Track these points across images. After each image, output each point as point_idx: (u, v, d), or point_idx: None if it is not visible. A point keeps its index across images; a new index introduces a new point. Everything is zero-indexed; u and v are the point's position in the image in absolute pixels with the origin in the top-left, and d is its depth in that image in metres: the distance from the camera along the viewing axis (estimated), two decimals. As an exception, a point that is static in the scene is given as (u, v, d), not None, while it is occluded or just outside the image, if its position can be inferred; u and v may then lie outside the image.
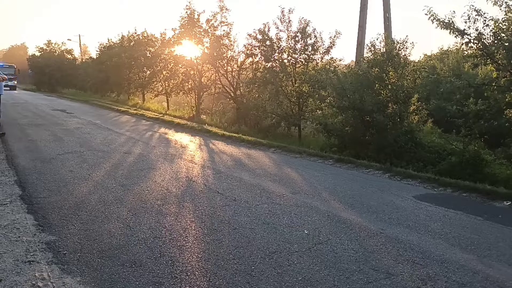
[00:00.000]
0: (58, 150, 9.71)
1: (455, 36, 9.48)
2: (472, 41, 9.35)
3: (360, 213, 5.97)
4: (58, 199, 6.05)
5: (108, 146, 10.78)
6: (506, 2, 8.83)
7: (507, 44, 8.69)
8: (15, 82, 44.41)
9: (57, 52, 43.53)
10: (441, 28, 9.56)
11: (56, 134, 12.42)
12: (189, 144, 12.00)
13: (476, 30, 9.06)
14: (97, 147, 10.54)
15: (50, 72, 40.80)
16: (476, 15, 8.91)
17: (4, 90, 41.78)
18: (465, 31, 9.24)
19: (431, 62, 24.92)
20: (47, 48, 43.41)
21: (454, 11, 9.31)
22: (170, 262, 4.15)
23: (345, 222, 5.52)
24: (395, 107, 12.04)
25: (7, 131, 12.12)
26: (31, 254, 4.22)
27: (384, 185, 7.90)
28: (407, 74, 12.44)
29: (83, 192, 6.50)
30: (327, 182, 7.95)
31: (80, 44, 53.04)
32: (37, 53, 44.27)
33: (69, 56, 44.51)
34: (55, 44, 43.62)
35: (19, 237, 4.64)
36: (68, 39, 69.15)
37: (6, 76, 13.68)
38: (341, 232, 5.16)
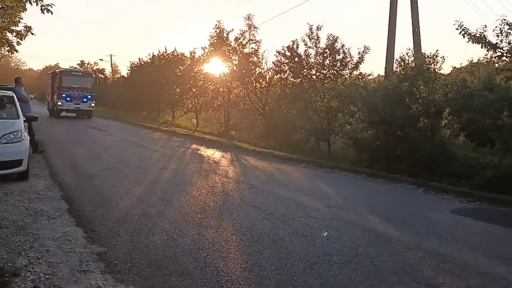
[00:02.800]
0: (98, 167, 10.10)
1: (487, 50, 9.50)
2: (505, 54, 9.35)
3: (397, 226, 6.03)
4: (103, 213, 6.34)
5: (145, 162, 11.13)
6: (539, 15, 8.82)
7: (541, 57, 8.66)
8: (93, 105, 27.86)
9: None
10: (473, 42, 9.60)
11: (94, 151, 12.90)
12: (221, 159, 12.26)
13: (509, 43, 9.07)
14: (134, 163, 10.90)
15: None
16: (508, 28, 8.93)
17: (69, 114, 26.98)
18: (498, 45, 9.25)
19: (461, 75, 24.64)
20: (81, 68, 44.90)
21: (485, 25, 9.36)
22: (215, 272, 4.33)
23: (382, 236, 5.60)
24: (426, 121, 12.01)
25: (47, 149, 12.63)
26: (85, 264, 4.47)
27: (419, 199, 7.92)
28: (438, 88, 12.42)
29: (126, 206, 6.78)
30: (361, 196, 8.03)
31: (111, 64, 54.63)
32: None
33: (101, 76, 45.86)
34: (87, 64, 45.06)
35: (71, 248, 4.91)
36: (100, 59, 71.01)
37: (32, 96, 13.87)
38: (379, 245, 5.25)
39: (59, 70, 29.41)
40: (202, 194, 7.67)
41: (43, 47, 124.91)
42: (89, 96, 27.73)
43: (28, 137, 9.01)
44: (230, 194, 7.83)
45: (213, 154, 13.37)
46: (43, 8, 11.22)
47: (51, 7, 11.24)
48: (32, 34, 16.45)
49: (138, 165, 10.66)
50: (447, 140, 11.83)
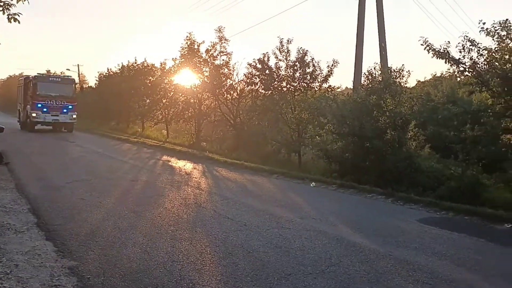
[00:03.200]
0: (66, 178, 9.86)
1: (451, 65, 9.88)
2: (467, 69, 9.76)
3: (368, 236, 6.17)
4: (73, 226, 6.21)
5: (114, 174, 10.97)
6: (498, 33, 9.27)
7: (500, 72, 9.08)
8: (74, 116, 24.29)
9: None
10: (437, 58, 9.96)
11: (61, 162, 12.60)
12: (193, 171, 12.20)
13: (471, 59, 9.47)
14: (104, 175, 10.72)
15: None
16: (470, 45, 9.33)
17: (43, 127, 23.46)
18: (460, 60, 9.64)
19: (425, 88, 25.48)
20: (46, 78, 43.79)
21: (449, 42, 9.74)
22: (190, 284, 4.32)
23: (354, 245, 5.72)
24: (393, 133, 12.35)
25: (13, 160, 12.27)
26: (56, 278, 4.38)
27: (388, 210, 8.13)
28: (404, 101, 12.82)
29: (97, 219, 6.67)
30: (332, 207, 8.17)
31: (79, 74, 53.51)
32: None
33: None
34: (54, 74, 44.00)
35: (41, 262, 4.79)
36: (67, 69, 69.36)
37: None
38: (352, 254, 5.36)
39: (33, 75, 24.88)
40: (175, 206, 7.63)
41: (6, 55, 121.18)
42: (70, 106, 23.99)
43: (-7, 149, 8.76)
44: (203, 205, 7.81)
45: (184, 165, 13.29)
46: (10, 17, 10.92)
47: (19, 16, 10.97)
48: (-2, 43, 16.01)
49: (107, 176, 10.50)
50: (413, 152, 12.18)
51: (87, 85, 49.14)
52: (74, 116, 24.47)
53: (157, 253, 5.20)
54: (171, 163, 13.67)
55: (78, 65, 53.79)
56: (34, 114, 23.31)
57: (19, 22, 11.19)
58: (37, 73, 24.46)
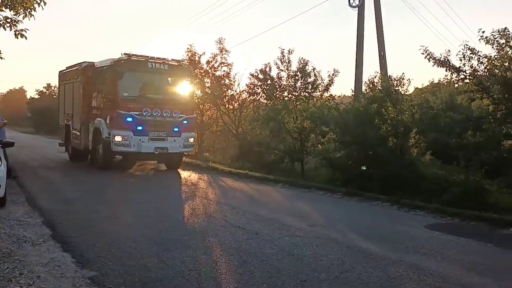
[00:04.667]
0: (75, 191, 10.00)
1: (451, 73, 10.10)
2: (467, 77, 9.96)
3: (378, 243, 6.31)
4: (89, 238, 6.32)
5: (122, 186, 11.10)
6: (497, 41, 9.49)
7: (501, 79, 9.28)
8: (191, 140, 14.02)
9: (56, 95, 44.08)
10: (438, 66, 10.18)
11: (68, 175, 12.74)
12: (199, 181, 12.33)
13: (471, 67, 9.69)
14: (112, 187, 10.86)
15: (51, 115, 41.09)
16: (470, 53, 9.55)
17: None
18: (461, 68, 9.85)
19: (423, 95, 25.68)
20: (47, 92, 44.06)
21: (449, 50, 9.96)
22: (210, 292, 4.45)
23: (365, 252, 5.85)
24: (395, 141, 12.51)
25: (20, 174, 12.36)
26: (79, 289, 4.50)
27: (394, 216, 8.27)
28: (405, 109, 13.00)
29: (111, 230, 6.78)
30: (339, 214, 8.31)
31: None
32: (37, 96, 44.94)
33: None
34: (54, 87, 44.25)
35: (62, 273, 4.90)
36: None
37: (6, 121, 12.36)
38: (363, 261, 5.48)
39: (114, 59, 12.97)
40: (186, 217, 7.77)
41: (5, 69, 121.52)
42: (185, 121, 13.50)
43: (5, 163, 8.87)
44: (213, 215, 7.93)
45: (189, 176, 13.40)
46: (17, 33, 11.09)
47: (25, 32, 11.13)
48: (1, 58, 16.13)
49: (116, 188, 10.63)
50: (415, 159, 12.33)
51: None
52: (192, 140, 14.20)
53: (173, 262, 5.31)
54: (176, 174, 13.79)
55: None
56: (118, 138, 12.44)
57: (26, 38, 11.36)
58: (123, 53, 13.01)
